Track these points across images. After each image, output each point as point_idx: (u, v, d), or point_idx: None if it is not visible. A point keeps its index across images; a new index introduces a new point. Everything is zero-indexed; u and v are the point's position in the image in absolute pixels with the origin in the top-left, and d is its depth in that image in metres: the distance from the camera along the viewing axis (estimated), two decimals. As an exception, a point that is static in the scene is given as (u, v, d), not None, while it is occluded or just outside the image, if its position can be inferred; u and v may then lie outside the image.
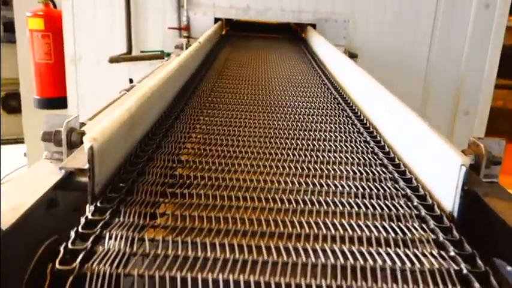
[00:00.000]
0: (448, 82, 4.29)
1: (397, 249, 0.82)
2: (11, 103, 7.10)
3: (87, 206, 0.93)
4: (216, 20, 4.21)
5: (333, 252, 0.81)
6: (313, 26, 4.17)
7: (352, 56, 3.85)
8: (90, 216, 0.87)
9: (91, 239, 0.79)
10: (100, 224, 0.84)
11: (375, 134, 1.55)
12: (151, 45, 4.24)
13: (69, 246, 0.76)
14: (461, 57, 4.24)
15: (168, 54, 3.90)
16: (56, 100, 4.53)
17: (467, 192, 0.96)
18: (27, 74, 4.82)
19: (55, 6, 4.73)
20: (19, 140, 6.20)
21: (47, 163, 1.10)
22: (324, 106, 1.93)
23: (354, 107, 1.91)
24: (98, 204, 0.92)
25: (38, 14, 4.44)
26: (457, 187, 0.95)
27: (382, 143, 1.45)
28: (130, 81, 3.54)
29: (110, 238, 0.81)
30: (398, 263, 0.77)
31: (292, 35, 4.76)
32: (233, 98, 1.96)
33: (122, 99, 1.80)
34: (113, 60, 4.05)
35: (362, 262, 0.77)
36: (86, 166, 0.93)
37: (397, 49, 4.24)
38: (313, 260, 0.77)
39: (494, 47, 4.20)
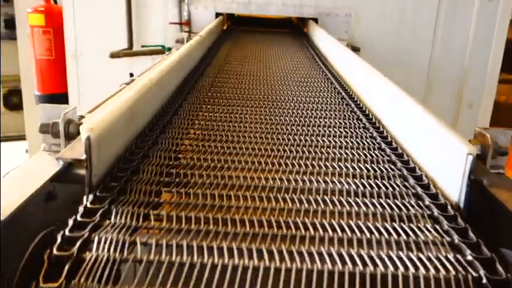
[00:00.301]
0: (451, 76, 4.24)
1: (410, 253, 0.76)
2: (13, 100, 7.07)
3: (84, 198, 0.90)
4: (218, 14, 4.16)
5: (340, 256, 0.75)
6: (315, 20, 4.12)
7: (355, 49, 3.79)
8: (79, 218, 0.81)
9: (78, 243, 0.73)
10: (89, 227, 0.78)
11: (381, 129, 1.49)
12: (152, 41, 4.19)
13: (55, 252, 0.70)
14: (464, 52, 4.19)
15: (169, 49, 3.85)
16: (57, 96, 4.49)
17: (473, 182, 0.93)
18: (28, 70, 4.78)
19: (55, 2, 4.69)
20: (21, 137, 6.16)
21: (45, 155, 1.07)
22: (327, 101, 1.87)
23: (357, 101, 1.85)
24: (88, 205, 0.86)
25: (39, 9, 4.40)
26: (464, 177, 0.92)
27: (389, 138, 1.39)
28: (131, 75, 3.48)
29: (99, 242, 0.74)
30: (412, 269, 0.71)
31: (293, 30, 4.70)
32: (234, 93, 1.90)
33: (122, 92, 1.74)
34: (114, 55, 4.00)
35: (372, 268, 0.71)
36: (83, 156, 0.90)
37: (399, 43, 4.20)
38: (319, 266, 0.71)
39: (498, 41, 4.14)
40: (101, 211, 0.84)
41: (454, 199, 0.96)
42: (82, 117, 1.20)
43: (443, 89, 4.25)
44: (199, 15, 4.16)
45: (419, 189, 1.04)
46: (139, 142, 1.22)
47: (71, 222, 0.79)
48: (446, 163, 1.02)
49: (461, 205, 0.94)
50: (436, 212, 0.93)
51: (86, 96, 4.24)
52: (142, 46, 4.17)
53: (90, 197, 0.89)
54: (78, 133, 1.04)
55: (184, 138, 1.33)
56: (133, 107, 1.20)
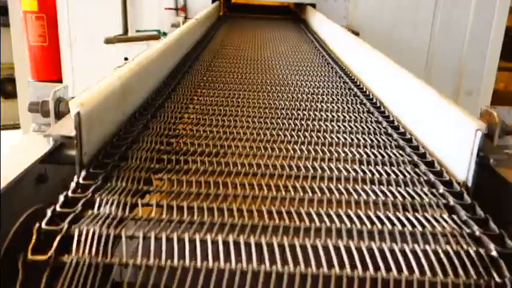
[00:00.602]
0: (450, 63, 4.18)
1: (427, 246, 0.68)
2: (7, 88, 6.96)
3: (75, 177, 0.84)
4: (214, 0, 4.05)
5: (348, 250, 0.67)
6: (313, 6, 4.03)
7: (354, 33, 3.71)
8: (58, 208, 0.73)
9: (57, 239, 0.65)
10: (68, 219, 0.70)
11: (387, 113, 1.41)
12: (147, 27, 4.10)
13: (30, 256, 0.62)
14: (463, 39, 4.11)
15: (165, 34, 3.76)
16: (51, 83, 4.40)
17: (482, 159, 0.89)
18: (22, 57, 4.68)
19: (48, -14, 4.58)
20: (16, 126, 6.06)
21: (34, 136, 1.02)
22: (328, 85, 1.78)
23: (359, 84, 1.76)
24: (70, 194, 0.78)
25: (32, -6, 4.29)
26: (472, 154, 0.89)
27: (396, 123, 1.31)
28: (125, 59, 3.40)
29: (80, 235, 0.66)
30: (428, 274, 0.63)
31: (291, 16, 4.61)
32: (230, 77, 1.82)
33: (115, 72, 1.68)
34: (109, 41, 3.92)
35: (384, 273, 0.62)
36: (73, 133, 0.84)
37: (398, 29, 4.12)
38: (326, 269, 0.63)
39: (497, 28, 4.06)
40: (83, 200, 0.76)
41: (461, 178, 0.92)
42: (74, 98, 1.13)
43: (442, 76, 4.18)
44: (195, 1, 4.05)
45: (428, 172, 0.96)
46: (129, 126, 1.14)
47: (49, 213, 0.71)
48: (454, 140, 0.98)
49: (469, 184, 0.90)
50: (444, 191, 0.85)
51: (80, 83, 4.15)
52: (137, 31, 4.07)
53: (73, 184, 0.81)
54: (69, 112, 0.97)
55: (178, 123, 1.24)
56: (126, 85, 1.13)
